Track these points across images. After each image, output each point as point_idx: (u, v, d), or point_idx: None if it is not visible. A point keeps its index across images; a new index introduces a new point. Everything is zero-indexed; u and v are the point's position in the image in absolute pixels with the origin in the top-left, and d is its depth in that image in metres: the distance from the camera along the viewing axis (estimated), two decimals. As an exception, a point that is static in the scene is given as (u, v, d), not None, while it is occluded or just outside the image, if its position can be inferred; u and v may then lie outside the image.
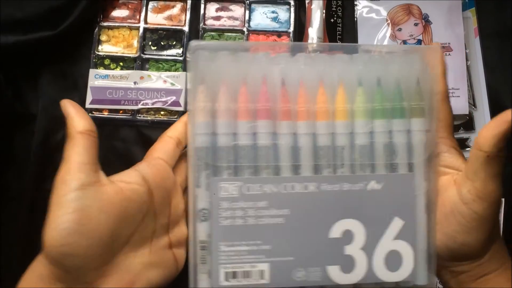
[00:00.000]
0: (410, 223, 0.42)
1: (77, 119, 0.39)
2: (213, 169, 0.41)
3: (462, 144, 0.62)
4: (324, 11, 0.63)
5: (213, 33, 0.64)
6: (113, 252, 0.38)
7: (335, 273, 0.41)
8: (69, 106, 0.40)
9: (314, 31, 0.63)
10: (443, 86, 0.43)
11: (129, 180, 0.40)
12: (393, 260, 0.42)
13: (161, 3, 0.65)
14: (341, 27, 0.64)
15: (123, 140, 0.62)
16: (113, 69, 0.63)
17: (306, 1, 0.64)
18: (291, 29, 0.64)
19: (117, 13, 0.65)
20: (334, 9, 0.64)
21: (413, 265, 0.42)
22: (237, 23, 0.65)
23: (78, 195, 0.36)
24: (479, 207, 0.39)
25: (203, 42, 0.43)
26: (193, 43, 0.42)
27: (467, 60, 0.63)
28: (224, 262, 0.41)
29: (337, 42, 0.64)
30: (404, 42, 0.64)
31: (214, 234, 0.41)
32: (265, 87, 0.41)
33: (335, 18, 0.64)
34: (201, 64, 0.41)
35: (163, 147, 0.43)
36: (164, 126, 0.62)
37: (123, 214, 0.38)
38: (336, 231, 0.41)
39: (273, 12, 0.65)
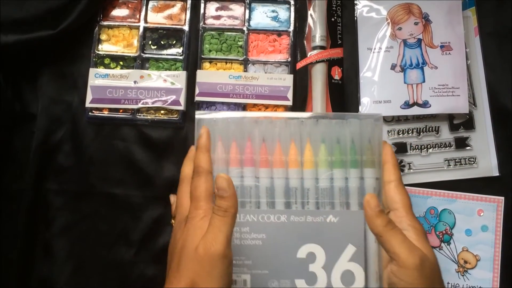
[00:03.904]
0: (360, 249, 0.52)
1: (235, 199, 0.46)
2: None
3: (462, 143, 0.63)
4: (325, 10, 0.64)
5: (213, 32, 0.64)
6: None
7: (301, 285, 0.52)
8: (229, 183, 0.47)
9: (317, 30, 0.63)
10: (396, 175, 0.52)
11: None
12: (347, 277, 0.52)
13: (161, 2, 0.65)
14: (341, 26, 0.64)
15: (123, 139, 0.62)
16: (113, 68, 0.63)
17: (307, 0, 0.64)
18: (291, 28, 0.64)
19: (117, 12, 0.65)
20: (334, 8, 0.64)
21: (364, 283, 0.52)
22: (237, 22, 0.65)
23: None
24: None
25: (205, 115, 0.54)
26: (198, 115, 0.54)
27: (467, 59, 0.63)
28: None
29: (338, 41, 0.64)
30: (404, 41, 0.64)
31: None
32: (249, 143, 0.54)
33: (335, 18, 0.64)
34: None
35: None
36: (164, 125, 0.62)
37: None
38: (302, 252, 0.52)
39: (273, 11, 0.65)
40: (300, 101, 0.62)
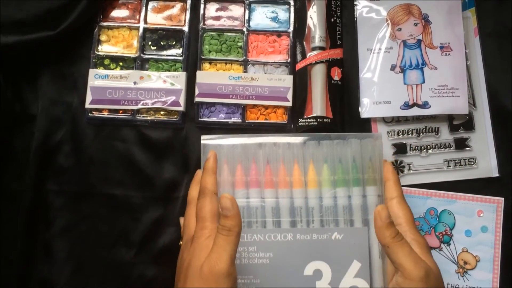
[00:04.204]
0: (365, 265, 0.54)
1: (239, 218, 0.47)
2: None
3: (462, 144, 0.63)
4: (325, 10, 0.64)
5: (212, 33, 0.64)
6: None
7: None
8: (232, 203, 0.48)
9: (316, 31, 0.63)
10: (398, 191, 0.53)
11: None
12: None
13: (161, 3, 0.65)
14: (341, 27, 0.64)
15: (123, 140, 0.62)
16: (113, 69, 0.63)
17: (306, 1, 0.64)
18: (291, 29, 0.64)
19: (117, 13, 0.65)
20: (333, 8, 0.64)
21: None
22: (236, 23, 0.65)
23: None
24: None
25: (212, 140, 0.56)
26: (204, 141, 0.55)
27: (467, 59, 0.63)
28: None
29: (338, 41, 0.64)
30: (404, 41, 0.64)
31: None
32: (254, 165, 0.55)
33: (335, 18, 0.64)
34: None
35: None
36: (163, 126, 0.62)
37: None
38: (308, 270, 0.53)
39: (273, 12, 0.65)
40: (300, 102, 0.62)
